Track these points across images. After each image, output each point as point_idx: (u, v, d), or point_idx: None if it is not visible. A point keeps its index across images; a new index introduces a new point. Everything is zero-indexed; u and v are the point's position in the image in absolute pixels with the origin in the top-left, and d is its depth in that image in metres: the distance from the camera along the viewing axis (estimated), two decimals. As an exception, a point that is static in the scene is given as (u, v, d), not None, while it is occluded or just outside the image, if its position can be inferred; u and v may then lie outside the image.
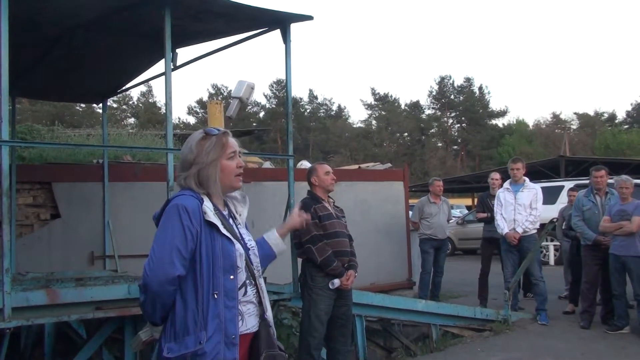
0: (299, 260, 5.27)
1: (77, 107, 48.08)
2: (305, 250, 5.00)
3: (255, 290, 2.37)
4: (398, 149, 63.80)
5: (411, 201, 11.37)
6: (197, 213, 2.25)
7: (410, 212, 9.86)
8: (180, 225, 2.21)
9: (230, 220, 2.45)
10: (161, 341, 2.27)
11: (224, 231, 2.30)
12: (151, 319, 2.30)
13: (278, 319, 6.00)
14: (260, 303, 2.39)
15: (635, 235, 6.49)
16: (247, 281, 2.35)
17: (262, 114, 65.68)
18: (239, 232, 2.45)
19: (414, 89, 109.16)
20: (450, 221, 10.46)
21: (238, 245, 2.34)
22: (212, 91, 64.48)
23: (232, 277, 2.27)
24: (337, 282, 4.95)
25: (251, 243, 2.49)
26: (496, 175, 9.02)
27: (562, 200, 13.29)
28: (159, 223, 2.28)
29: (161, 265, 2.17)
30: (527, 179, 7.75)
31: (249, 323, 2.33)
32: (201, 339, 2.18)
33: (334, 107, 71.38)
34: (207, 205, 2.31)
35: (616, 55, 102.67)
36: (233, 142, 2.45)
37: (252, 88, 8.45)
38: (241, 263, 2.32)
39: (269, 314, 2.47)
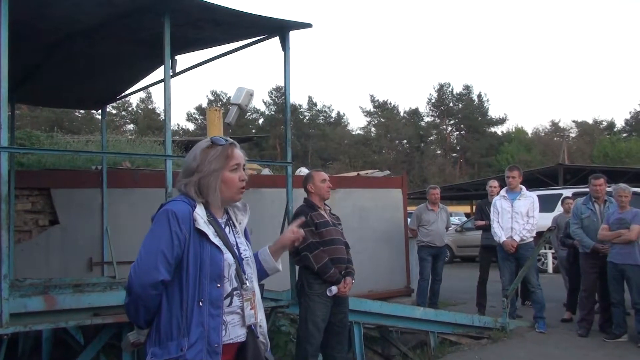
0: (297, 267, 5.27)
1: (77, 114, 48.08)
2: (302, 258, 5.00)
3: (241, 301, 2.33)
4: (397, 156, 63.91)
5: (410, 208, 11.39)
6: (187, 219, 2.24)
7: (409, 220, 9.88)
8: (168, 231, 2.20)
9: (227, 229, 2.42)
10: (147, 346, 2.27)
11: (213, 239, 2.28)
12: (134, 320, 2.30)
13: (276, 325, 5.98)
14: (244, 315, 2.33)
15: (634, 243, 6.52)
16: (235, 292, 2.32)
17: (261, 121, 65.78)
18: (236, 240, 2.42)
19: (413, 96, 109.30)
20: (449, 229, 10.49)
21: (228, 255, 2.30)
22: (212, 98, 64.68)
23: (218, 285, 2.26)
24: (334, 289, 4.95)
25: (246, 253, 2.45)
26: (494, 183, 9.04)
27: (561, 208, 13.31)
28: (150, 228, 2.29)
29: (146, 269, 2.17)
30: (523, 187, 7.80)
31: (232, 333, 2.29)
32: (183, 345, 2.17)
33: (333, 114, 71.56)
34: (199, 212, 2.29)
35: (615, 63, 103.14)
36: (239, 154, 2.41)
37: (251, 95, 8.48)
38: (229, 273, 2.30)
39: (264, 324, 2.45)
